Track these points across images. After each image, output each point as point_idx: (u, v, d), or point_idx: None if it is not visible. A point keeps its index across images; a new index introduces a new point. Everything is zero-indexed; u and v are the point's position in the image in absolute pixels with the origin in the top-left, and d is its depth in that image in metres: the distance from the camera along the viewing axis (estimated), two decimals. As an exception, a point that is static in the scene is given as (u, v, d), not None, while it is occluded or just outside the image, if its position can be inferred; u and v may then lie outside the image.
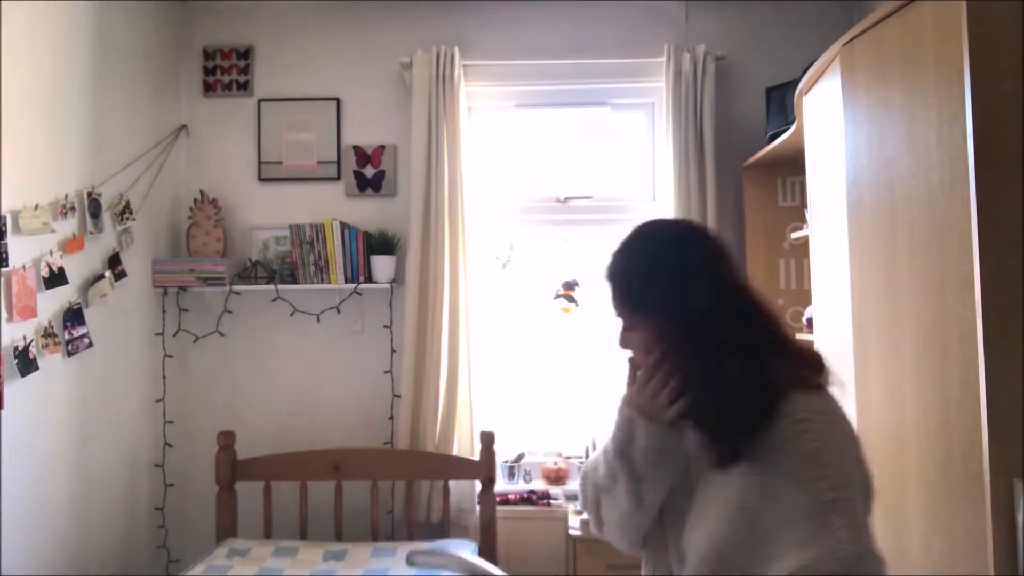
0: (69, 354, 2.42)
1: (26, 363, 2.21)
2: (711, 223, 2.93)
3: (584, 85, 3.14)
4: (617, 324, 1.14)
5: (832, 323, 1.98)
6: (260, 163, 3.17)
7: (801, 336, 2.74)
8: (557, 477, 3.01)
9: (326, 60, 3.19)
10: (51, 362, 2.35)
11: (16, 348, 2.18)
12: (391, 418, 3.05)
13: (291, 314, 3.11)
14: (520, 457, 3.06)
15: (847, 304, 1.83)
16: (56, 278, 2.35)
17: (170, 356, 3.04)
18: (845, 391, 1.15)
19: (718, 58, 3.00)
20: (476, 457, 2.83)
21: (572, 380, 3.23)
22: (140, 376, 2.88)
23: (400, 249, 3.04)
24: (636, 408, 1.10)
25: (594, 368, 3.23)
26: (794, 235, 2.87)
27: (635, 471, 1.09)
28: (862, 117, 1.75)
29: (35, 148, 2.29)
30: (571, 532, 2.70)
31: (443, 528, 2.93)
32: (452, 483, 2.85)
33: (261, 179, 3.17)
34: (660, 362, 1.08)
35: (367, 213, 3.12)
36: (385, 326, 3.09)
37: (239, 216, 3.16)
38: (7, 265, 2.14)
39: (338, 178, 3.16)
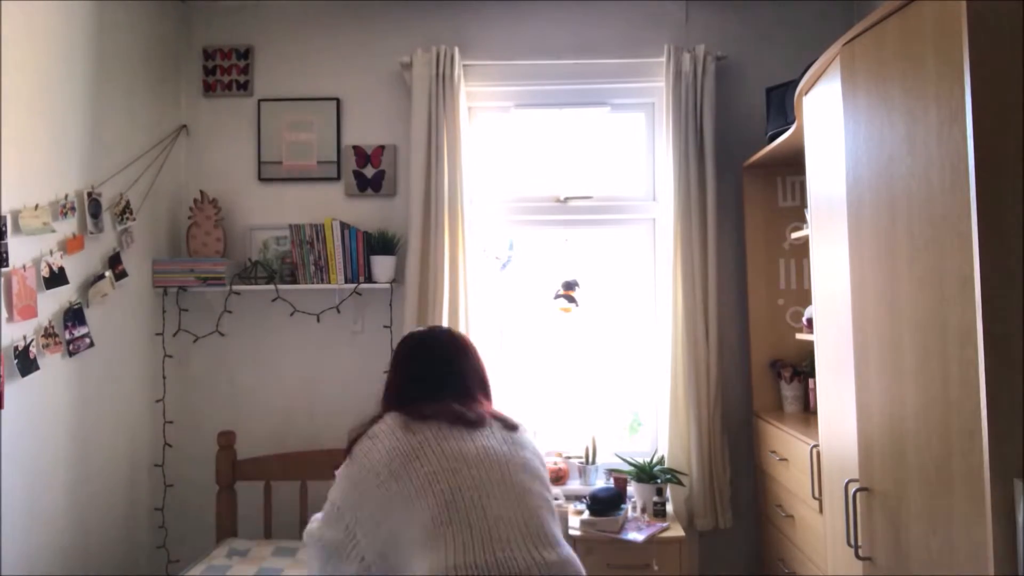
0: (71, 354, 2.42)
1: (26, 363, 2.21)
2: (711, 223, 2.94)
3: (584, 85, 3.14)
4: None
5: (832, 323, 1.98)
6: (260, 163, 3.17)
7: (801, 336, 2.74)
8: (557, 477, 3.01)
9: (326, 60, 3.19)
10: (51, 362, 2.35)
11: (16, 348, 2.18)
12: (391, 418, 3.05)
13: (291, 314, 3.11)
14: (520, 457, 3.05)
15: (847, 304, 1.83)
16: (56, 278, 2.35)
17: (170, 356, 3.04)
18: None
19: (718, 58, 3.01)
20: (476, 457, 2.82)
21: (572, 380, 3.24)
22: (140, 376, 2.88)
23: (400, 249, 3.05)
24: None
25: (594, 368, 3.23)
26: (794, 235, 2.87)
27: None
28: (862, 117, 1.75)
29: (35, 148, 2.29)
30: (571, 532, 2.70)
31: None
32: (452, 483, 2.85)
33: (261, 179, 3.18)
34: None
35: (367, 213, 3.13)
36: (385, 326, 3.09)
37: (239, 216, 3.16)
38: (7, 265, 2.15)
39: (338, 178, 3.16)
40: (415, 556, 1.33)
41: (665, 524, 2.74)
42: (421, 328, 1.77)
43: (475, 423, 1.52)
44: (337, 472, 1.52)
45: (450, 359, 1.66)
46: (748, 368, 3.03)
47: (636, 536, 2.63)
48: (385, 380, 1.69)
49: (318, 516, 1.56)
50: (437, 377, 1.62)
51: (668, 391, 2.95)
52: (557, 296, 3.16)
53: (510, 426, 1.59)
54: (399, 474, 1.39)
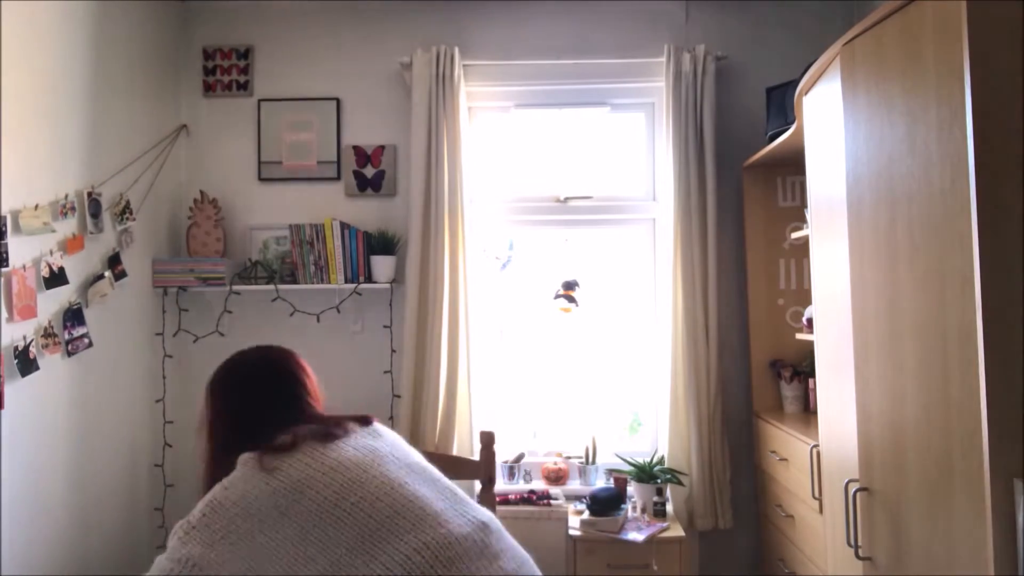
0: (69, 354, 2.42)
1: (26, 363, 2.21)
2: (711, 223, 2.94)
3: (584, 85, 3.14)
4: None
5: (832, 323, 1.98)
6: (260, 163, 3.17)
7: (801, 336, 2.74)
8: (557, 477, 3.01)
9: (326, 60, 3.19)
10: (51, 362, 2.35)
11: (16, 348, 2.18)
12: (391, 418, 3.05)
13: (291, 314, 3.11)
14: (520, 457, 3.06)
15: (847, 304, 1.83)
16: (56, 278, 2.35)
17: (170, 356, 3.04)
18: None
19: (718, 58, 3.01)
20: (476, 457, 2.82)
21: (572, 380, 3.24)
22: (140, 376, 2.88)
23: (400, 249, 3.05)
24: None
25: (594, 368, 3.23)
26: (794, 235, 2.87)
27: None
28: (862, 117, 1.75)
29: (35, 148, 2.29)
30: (571, 532, 2.70)
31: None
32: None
33: (261, 179, 3.18)
34: None
35: (367, 213, 3.13)
36: (385, 326, 3.09)
37: (239, 216, 3.16)
38: (7, 265, 2.14)
39: (338, 178, 3.16)
40: None
41: (665, 524, 2.74)
42: (239, 353, 1.59)
43: (340, 434, 1.43)
44: (178, 528, 1.21)
45: (283, 378, 1.58)
46: (748, 368, 3.03)
47: (636, 536, 2.63)
48: (208, 421, 1.45)
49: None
50: (274, 403, 1.50)
51: (668, 391, 2.95)
52: (557, 296, 3.16)
53: (365, 421, 1.53)
54: (289, 511, 1.18)
